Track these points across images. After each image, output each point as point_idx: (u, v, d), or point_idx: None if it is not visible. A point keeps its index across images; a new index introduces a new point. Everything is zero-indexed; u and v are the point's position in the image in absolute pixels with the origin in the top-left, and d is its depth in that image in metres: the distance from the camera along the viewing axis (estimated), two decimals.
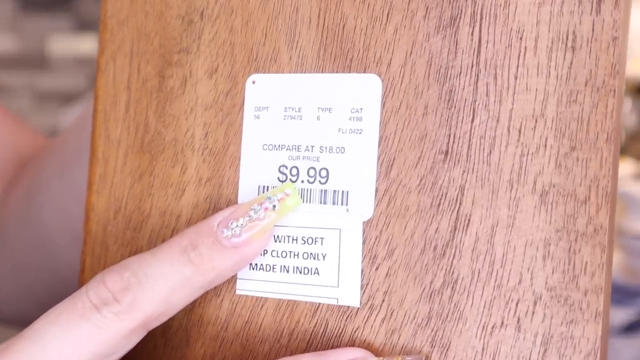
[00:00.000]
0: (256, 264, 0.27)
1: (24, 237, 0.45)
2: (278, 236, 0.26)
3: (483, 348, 0.24)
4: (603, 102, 0.23)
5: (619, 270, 1.01)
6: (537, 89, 0.24)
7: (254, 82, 0.28)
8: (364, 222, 0.26)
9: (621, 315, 0.92)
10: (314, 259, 0.26)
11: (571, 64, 0.24)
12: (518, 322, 0.24)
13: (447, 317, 0.24)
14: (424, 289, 0.25)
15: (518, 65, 0.24)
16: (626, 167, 1.12)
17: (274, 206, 0.25)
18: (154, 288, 0.24)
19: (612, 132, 0.23)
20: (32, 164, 0.47)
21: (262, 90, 0.27)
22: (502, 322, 0.24)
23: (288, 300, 0.26)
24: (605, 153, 0.23)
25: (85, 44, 1.85)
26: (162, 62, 0.29)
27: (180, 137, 0.28)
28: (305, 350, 0.26)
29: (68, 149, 0.42)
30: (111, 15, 0.30)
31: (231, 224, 0.25)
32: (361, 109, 0.26)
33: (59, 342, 0.24)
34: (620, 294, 0.95)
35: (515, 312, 0.24)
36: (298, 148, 0.27)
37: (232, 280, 0.27)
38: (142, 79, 0.29)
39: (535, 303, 0.24)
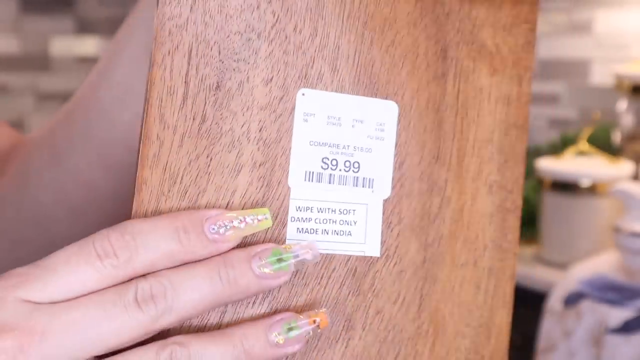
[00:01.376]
0: (303, 228, 0.35)
1: (19, 218, 0.48)
2: (320, 208, 0.35)
3: (455, 277, 0.37)
4: (522, 135, 0.39)
5: (617, 270, 1.02)
6: (489, 124, 0.38)
7: (303, 94, 0.35)
8: (383, 200, 0.36)
9: (619, 315, 0.92)
10: (348, 224, 0.35)
11: (507, 112, 0.38)
12: (475, 261, 0.38)
13: (435, 260, 0.37)
14: (421, 243, 0.37)
15: (479, 109, 0.38)
16: (624, 167, 1.13)
17: (252, 222, 0.32)
18: (146, 253, 0.30)
19: (526, 150, 0.39)
20: (16, 155, 0.50)
21: (310, 101, 0.35)
22: (467, 262, 0.38)
23: (326, 255, 0.35)
24: (523, 163, 0.39)
25: (87, 46, 1.85)
26: (221, 66, 0.34)
27: (236, 129, 0.34)
28: (340, 289, 0.35)
29: (59, 139, 0.46)
30: (170, 18, 0.33)
31: (217, 223, 0.32)
32: (384, 123, 0.36)
33: (68, 277, 0.30)
34: (617, 293, 0.96)
35: (474, 255, 0.38)
36: (337, 146, 0.35)
37: (283, 240, 0.35)
38: (200, 76, 0.33)
39: (484, 249, 0.38)
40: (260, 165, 0.34)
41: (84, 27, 1.84)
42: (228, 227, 0.32)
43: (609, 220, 1.11)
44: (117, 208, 0.46)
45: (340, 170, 0.35)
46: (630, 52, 1.34)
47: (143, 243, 0.30)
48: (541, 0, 1.60)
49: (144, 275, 0.30)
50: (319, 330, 0.33)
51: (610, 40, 1.38)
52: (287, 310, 0.34)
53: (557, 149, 1.31)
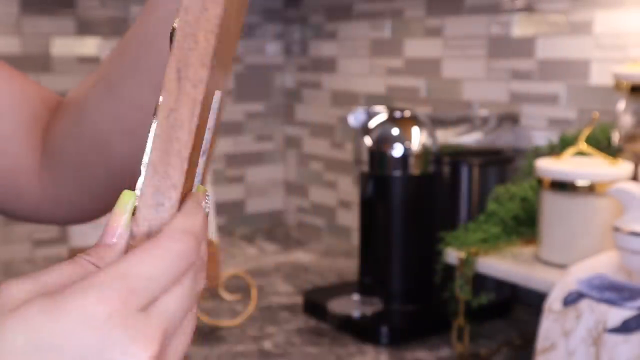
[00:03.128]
0: None
1: (80, 147, 0.58)
2: None
3: None
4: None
5: (616, 270, 1.02)
6: None
7: None
8: None
9: (618, 314, 0.93)
10: None
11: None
12: None
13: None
14: None
15: None
16: (623, 167, 1.13)
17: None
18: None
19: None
20: (69, 102, 0.60)
21: None
22: None
23: None
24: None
25: (88, 46, 1.86)
26: None
27: None
28: None
29: (113, 72, 0.56)
30: None
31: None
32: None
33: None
34: (616, 293, 0.96)
35: None
36: None
37: None
38: None
39: None
40: None
41: (85, 28, 1.84)
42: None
43: (609, 220, 1.11)
44: None
45: None
46: (630, 52, 1.35)
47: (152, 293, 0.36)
48: (541, 0, 1.60)
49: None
50: None
51: (610, 41, 1.38)
52: None
53: (556, 149, 1.31)
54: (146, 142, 0.51)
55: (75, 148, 0.58)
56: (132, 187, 0.53)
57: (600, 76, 1.40)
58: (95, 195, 0.59)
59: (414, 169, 1.34)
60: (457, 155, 1.38)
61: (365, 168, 1.37)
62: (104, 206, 0.61)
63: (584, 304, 0.96)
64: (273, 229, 2.18)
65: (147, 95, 0.54)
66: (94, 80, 0.57)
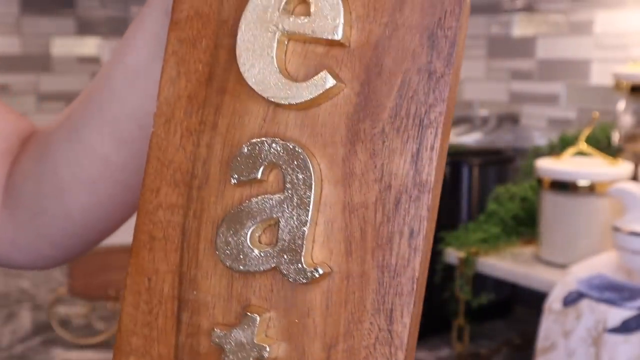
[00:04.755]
0: None
1: (39, 192, 0.53)
2: None
3: None
4: None
5: (615, 270, 1.02)
6: None
7: None
8: None
9: (618, 314, 0.93)
10: None
11: None
12: None
13: None
14: None
15: None
16: (623, 167, 1.13)
17: None
18: None
19: None
20: (37, 136, 0.55)
21: None
22: None
23: None
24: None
25: (87, 46, 1.86)
26: None
27: None
28: None
29: (77, 117, 0.51)
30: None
31: None
32: None
33: None
34: (616, 292, 0.96)
35: None
36: None
37: None
38: None
39: None
40: None
41: (85, 28, 1.84)
42: None
43: (608, 220, 1.11)
44: (126, 179, 0.49)
45: None
46: (630, 52, 1.35)
47: None
48: (541, 0, 1.60)
49: None
50: None
51: (610, 41, 1.38)
52: None
53: (556, 149, 1.31)
54: (104, 196, 0.49)
55: (34, 191, 0.53)
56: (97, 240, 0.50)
57: (600, 76, 1.40)
58: (55, 243, 0.53)
59: None
60: (457, 155, 1.38)
61: None
62: (63, 255, 0.55)
63: (584, 304, 0.96)
64: None
65: (108, 147, 0.48)
66: (61, 119, 0.52)
